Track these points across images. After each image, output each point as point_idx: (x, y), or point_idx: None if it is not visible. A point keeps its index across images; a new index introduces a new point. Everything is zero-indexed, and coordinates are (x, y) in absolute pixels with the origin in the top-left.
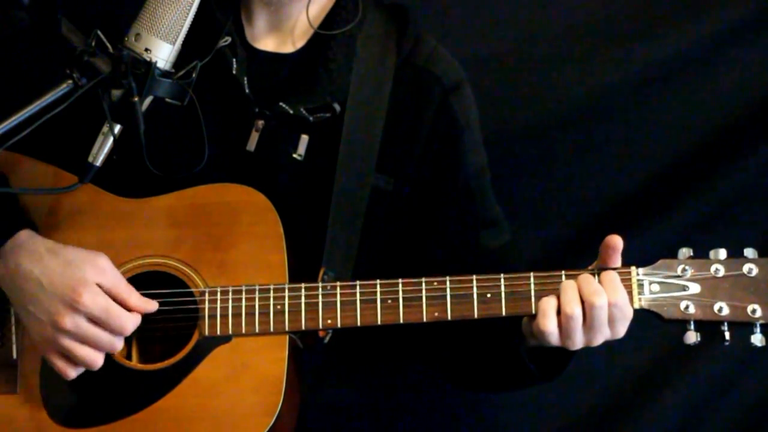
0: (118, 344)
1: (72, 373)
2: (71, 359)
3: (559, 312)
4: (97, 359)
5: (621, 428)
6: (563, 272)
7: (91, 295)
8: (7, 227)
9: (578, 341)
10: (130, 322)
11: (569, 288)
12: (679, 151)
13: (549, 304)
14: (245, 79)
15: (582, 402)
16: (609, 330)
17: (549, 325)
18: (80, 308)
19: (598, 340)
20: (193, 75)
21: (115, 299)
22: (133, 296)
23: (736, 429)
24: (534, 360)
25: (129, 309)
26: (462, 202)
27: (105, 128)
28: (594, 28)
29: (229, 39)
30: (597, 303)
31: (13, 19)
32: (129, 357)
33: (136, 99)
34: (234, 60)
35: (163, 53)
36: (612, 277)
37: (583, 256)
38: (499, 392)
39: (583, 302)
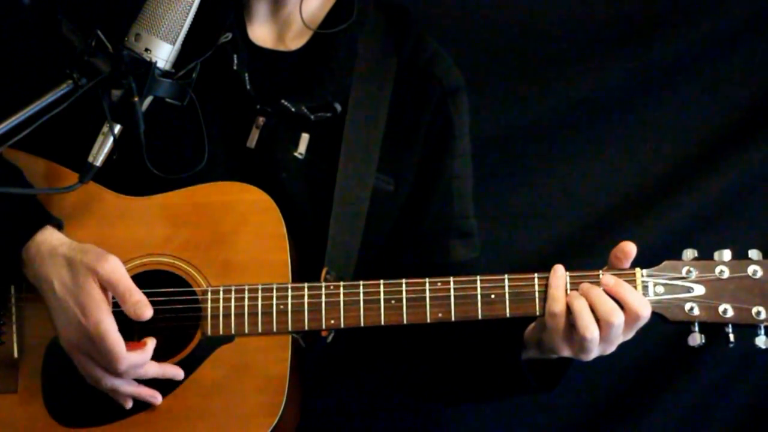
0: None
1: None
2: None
3: (573, 331)
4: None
5: (621, 428)
6: (567, 274)
7: (95, 319)
8: (31, 223)
9: (594, 355)
10: (123, 360)
11: (584, 311)
12: (679, 150)
13: (560, 322)
14: (246, 75)
15: (582, 402)
16: (623, 337)
17: (564, 350)
18: (83, 327)
19: (613, 348)
20: (193, 75)
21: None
22: (133, 298)
23: (736, 429)
24: (530, 370)
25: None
26: (440, 206)
27: (105, 128)
28: (594, 29)
29: (230, 35)
30: (615, 322)
31: (14, 19)
32: None
33: (136, 99)
34: (235, 56)
35: (163, 53)
36: (624, 288)
37: (584, 256)
38: (491, 401)
39: (598, 319)
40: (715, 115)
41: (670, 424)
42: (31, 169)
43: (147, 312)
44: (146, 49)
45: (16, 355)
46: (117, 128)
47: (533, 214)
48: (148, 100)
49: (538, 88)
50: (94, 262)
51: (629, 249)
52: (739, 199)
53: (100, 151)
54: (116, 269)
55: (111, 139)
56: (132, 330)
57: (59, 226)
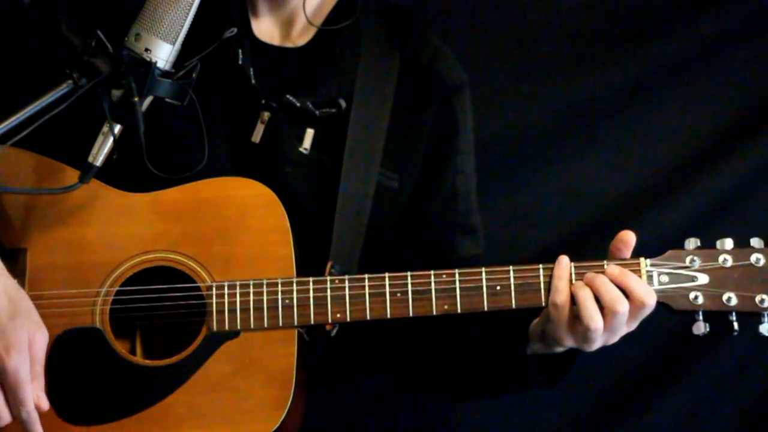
0: (5, 417)
1: None
2: None
3: (577, 321)
4: None
5: (621, 428)
6: (572, 264)
7: (17, 364)
8: None
9: (598, 345)
10: (28, 412)
11: (588, 301)
12: (679, 146)
13: (564, 313)
14: (251, 69)
15: (582, 402)
16: (627, 328)
17: (568, 340)
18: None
19: (617, 338)
20: (194, 74)
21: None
22: (39, 383)
23: (736, 429)
24: (535, 365)
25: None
26: (445, 202)
27: (105, 128)
28: (595, 29)
29: (234, 30)
30: (621, 310)
31: (14, 19)
32: (133, 352)
33: (136, 99)
34: (240, 51)
35: (163, 53)
36: (629, 277)
37: (588, 251)
38: (495, 396)
39: (603, 308)
40: (714, 112)
41: (671, 423)
42: (32, 167)
43: (46, 404)
44: (146, 49)
45: None
46: (117, 128)
47: (536, 211)
48: (148, 100)
49: (539, 87)
50: (36, 327)
51: (629, 238)
52: (738, 194)
53: (100, 151)
54: (45, 348)
55: (111, 139)
56: (133, 328)
57: (4, 254)
